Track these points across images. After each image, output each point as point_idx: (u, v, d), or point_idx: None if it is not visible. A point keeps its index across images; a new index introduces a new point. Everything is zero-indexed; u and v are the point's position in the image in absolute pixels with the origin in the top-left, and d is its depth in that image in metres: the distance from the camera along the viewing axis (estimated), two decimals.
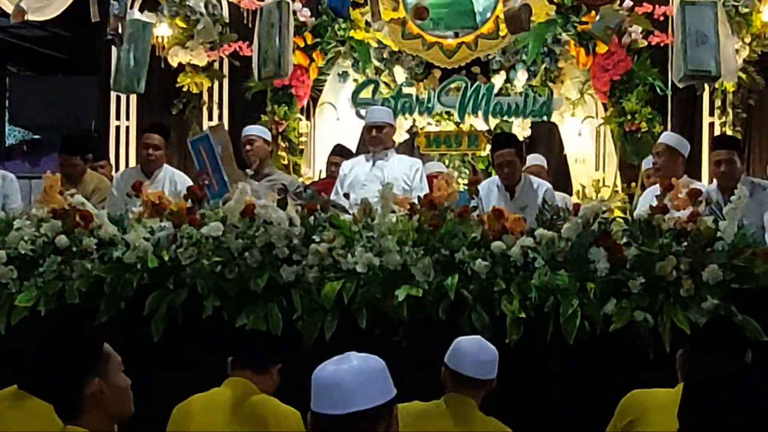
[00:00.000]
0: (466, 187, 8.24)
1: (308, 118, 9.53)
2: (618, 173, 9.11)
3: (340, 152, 8.44)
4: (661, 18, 8.73)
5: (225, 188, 6.22)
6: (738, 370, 2.86)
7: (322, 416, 2.48)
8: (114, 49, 8.04)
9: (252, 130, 7.44)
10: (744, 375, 2.67)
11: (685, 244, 4.87)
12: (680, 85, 7.71)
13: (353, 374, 2.49)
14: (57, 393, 2.53)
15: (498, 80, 9.36)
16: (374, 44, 9.42)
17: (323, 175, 8.76)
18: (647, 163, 7.90)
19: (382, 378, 2.55)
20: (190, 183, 7.04)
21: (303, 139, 9.43)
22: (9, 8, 7.61)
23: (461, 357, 3.93)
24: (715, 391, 2.58)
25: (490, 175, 8.79)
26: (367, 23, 9.19)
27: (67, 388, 2.53)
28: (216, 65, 9.44)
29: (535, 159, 8.36)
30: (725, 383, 2.59)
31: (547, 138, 9.60)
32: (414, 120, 9.47)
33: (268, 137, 7.51)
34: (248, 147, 7.17)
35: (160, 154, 7.14)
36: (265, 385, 3.99)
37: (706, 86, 8.67)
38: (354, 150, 9.08)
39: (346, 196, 6.59)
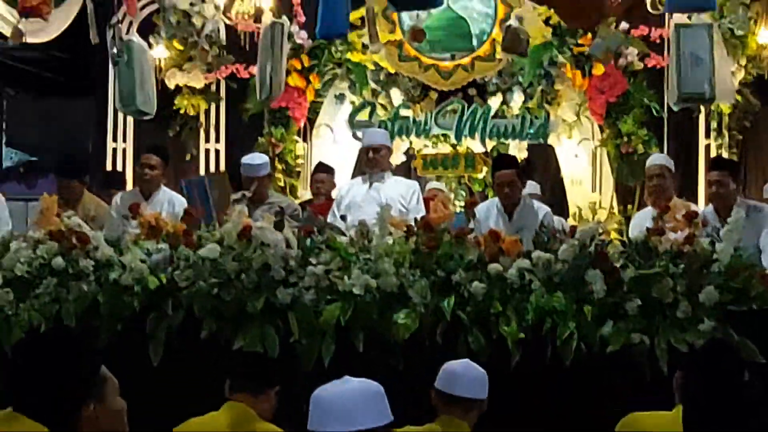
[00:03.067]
0: (462, 209, 8.24)
1: (305, 140, 9.53)
2: (614, 195, 9.12)
3: (323, 169, 8.50)
4: (657, 40, 8.77)
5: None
6: (736, 392, 2.86)
7: None
8: (111, 70, 8.05)
9: (254, 170, 7.10)
10: (742, 397, 2.67)
11: (682, 265, 4.88)
12: (675, 108, 7.74)
13: (355, 394, 2.50)
14: (54, 415, 2.52)
15: (494, 102, 9.37)
16: (371, 66, 9.44)
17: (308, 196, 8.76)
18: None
19: (381, 401, 2.56)
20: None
21: (300, 161, 9.43)
22: (7, 30, 7.62)
23: (452, 378, 3.96)
24: (714, 413, 2.58)
25: (486, 196, 8.80)
26: (363, 45, 9.21)
27: (64, 410, 2.52)
28: (213, 87, 9.46)
29: (528, 187, 8.37)
30: (724, 405, 2.59)
31: (543, 160, 9.61)
32: (411, 142, 9.48)
33: (268, 167, 7.34)
34: (254, 186, 7.04)
35: (156, 174, 7.13)
36: (263, 407, 3.97)
37: (702, 108, 8.71)
38: (351, 172, 9.10)
39: (343, 218, 6.60)
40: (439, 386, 3.98)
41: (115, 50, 7.32)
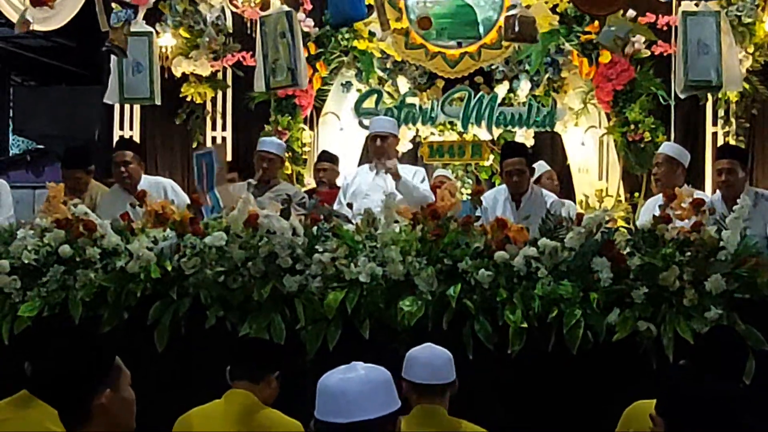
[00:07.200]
0: (469, 197, 8.24)
1: (311, 128, 9.52)
2: (621, 183, 9.10)
3: (326, 158, 8.51)
4: (665, 28, 8.72)
5: (218, 207, 6.19)
6: (738, 381, 2.86)
7: (326, 424, 2.48)
8: (113, 59, 8.04)
9: (271, 146, 7.39)
10: (743, 387, 2.67)
11: (688, 253, 4.87)
12: (682, 96, 7.72)
13: (359, 384, 2.49)
14: (67, 400, 2.53)
15: (501, 90, 9.35)
16: (377, 54, 9.42)
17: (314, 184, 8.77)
18: None
19: (387, 389, 2.55)
20: (176, 186, 7.04)
21: (306, 148, 9.42)
22: (14, 18, 7.62)
23: (418, 367, 3.86)
24: (708, 403, 2.57)
25: (493, 185, 8.80)
26: (370, 33, 9.20)
27: (78, 396, 2.53)
28: (219, 75, 9.45)
29: (541, 166, 8.40)
30: (721, 395, 2.59)
31: (550, 148, 9.59)
32: (417, 130, 9.46)
33: (284, 151, 7.57)
34: (264, 165, 7.15)
35: (133, 168, 6.94)
36: (264, 393, 3.97)
37: (709, 96, 8.68)
38: (357, 160, 9.10)
39: (350, 205, 6.60)
40: (406, 376, 3.84)
41: (107, 45, 7.29)
